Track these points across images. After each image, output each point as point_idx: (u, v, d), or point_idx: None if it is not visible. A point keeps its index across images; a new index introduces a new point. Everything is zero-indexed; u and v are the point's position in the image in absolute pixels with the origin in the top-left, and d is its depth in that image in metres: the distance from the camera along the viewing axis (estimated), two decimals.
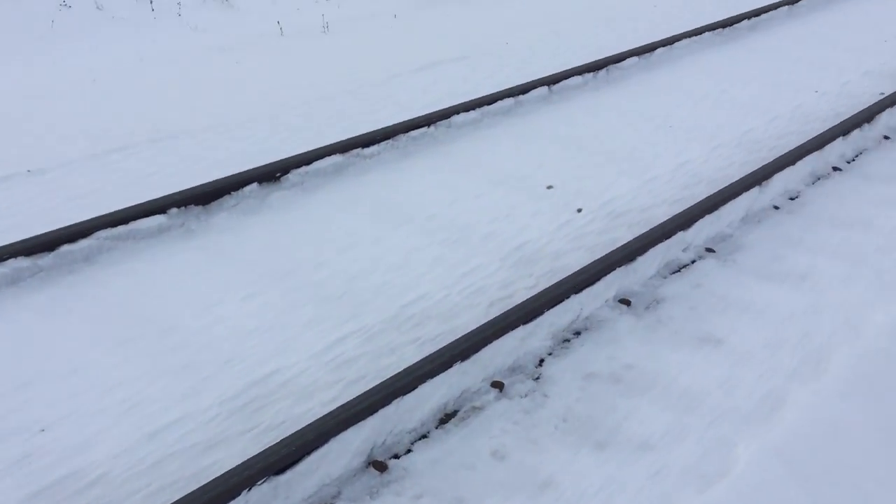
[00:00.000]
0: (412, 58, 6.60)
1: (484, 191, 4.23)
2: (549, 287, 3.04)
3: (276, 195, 4.11)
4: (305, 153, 4.33)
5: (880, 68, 5.96)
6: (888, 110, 4.92)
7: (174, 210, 3.81)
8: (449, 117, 5.02)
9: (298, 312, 3.14)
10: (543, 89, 5.59)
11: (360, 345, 2.93)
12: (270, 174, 4.16)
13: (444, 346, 2.66)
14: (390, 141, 4.69)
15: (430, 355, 2.60)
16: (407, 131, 4.78)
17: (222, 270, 3.45)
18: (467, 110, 5.13)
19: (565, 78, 5.73)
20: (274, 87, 5.97)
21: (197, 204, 3.90)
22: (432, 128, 4.91)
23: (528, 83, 5.53)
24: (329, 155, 4.39)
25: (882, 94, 5.44)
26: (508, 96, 5.38)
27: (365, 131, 4.84)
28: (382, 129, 4.70)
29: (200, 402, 2.62)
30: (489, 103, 5.25)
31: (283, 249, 3.64)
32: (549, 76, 5.67)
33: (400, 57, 6.68)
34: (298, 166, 4.25)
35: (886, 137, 4.78)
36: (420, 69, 6.27)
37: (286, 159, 4.24)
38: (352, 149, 4.50)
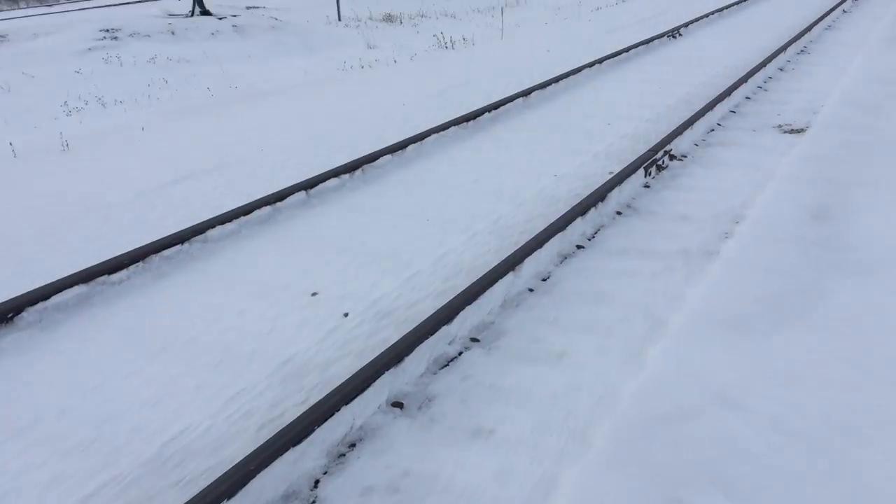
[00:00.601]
0: (162, 172, 6.36)
1: (246, 306, 4.09)
2: (319, 401, 2.95)
3: (10, 338, 3.70)
4: (42, 287, 3.96)
5: (607, 150, 6.58)
6: (617, 188, 5.41)
7: None
8: (204, 232, 4.84)
9: (36, 473, 2.78)
10: (301, 194, 5.58)
11: (113, 498, 2.64)
12: (1, 316, 3.74)
13: (206, 487, 2.46)
14: (141, 263, 4.42)
15: (191, 500, 2.40)
16: (159, 251, 4.54)
17: None
18: (223, 223, 4.99)
19: (322, 181, 5.77)
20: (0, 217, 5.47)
21: None
22: (187, 245, 4.70)
23: (285, 189, 5.50)
24: (70, 286, 4.05)
25: (611, 173, 5.98)
26: (266, 204, 5.31)
27: (111, 256, 4.53)
28: (131, 251, 4.42)
29: None
30: (246, 213, 5.14)
31: (20, 401, 3.25)
32: (306, 180, 5.68)
33: (149, 172, 6.41)
34: (34, 303, 3.87)
35: (619, 213, 5.23)
36: (171, 183, 6.04)
37: (18, 297, 3.85)
38: (97, 276, 4.18)
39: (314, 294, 4.22)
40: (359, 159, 6.14)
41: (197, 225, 4.86)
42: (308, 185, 5.64)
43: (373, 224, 5.21)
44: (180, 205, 5.57)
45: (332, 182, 5.83)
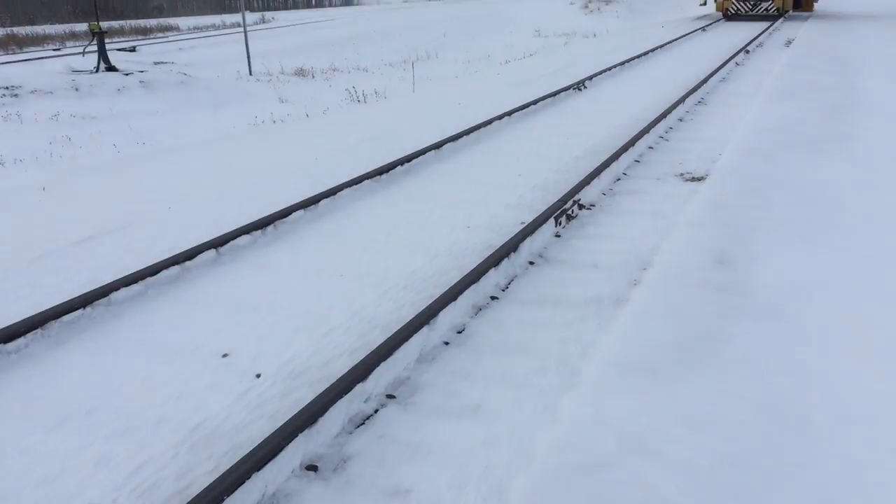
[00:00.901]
0: (64, 233, 6.13)
1: (153, 370, 3.94)
2: (229, 469, 2.84)
3: None
4: None
5: (518, 201, 6.69)
6: (529, 238, 5.49)
7: None
8: (108, 295, 4.67)
9: None
10: (211, 252, 5.46)
11: None
12: None
13: None
14: (39, 331, 4.22)
15: None
16: (59, 317, 4.35)
17: None
18: (128, 284, 4.82)
19: (233, 238, 5.66)
20: None
21: None
22: (89, 309, 4.52)
23: (193, 248, 5.37)
24: None
25: (523, 223, 6.07)
26: (174, 264, 5.17)
27: (7, 324, 4.30)
28: (28, 318, 4.22)
29: None
30: (153, 274, 4.99)
31: None
32: (216, 238, 5.57)
33: (49, 233, 6.17)
34: None
35: (532, 263, 5.31)
36: (74, 245, 5.82)
37: None
38: None
39: (225, 355, 4.10)
40: (270, 215, 6.07)
41: (100, 288, 4.68)
42: (218, 242, 5.53)
43: (286, 281, 5.13)
44: (83, 267, 5.37)
45: (244, 239, 5.74)
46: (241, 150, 9.69)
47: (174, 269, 5.15)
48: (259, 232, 5.88)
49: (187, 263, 5.24)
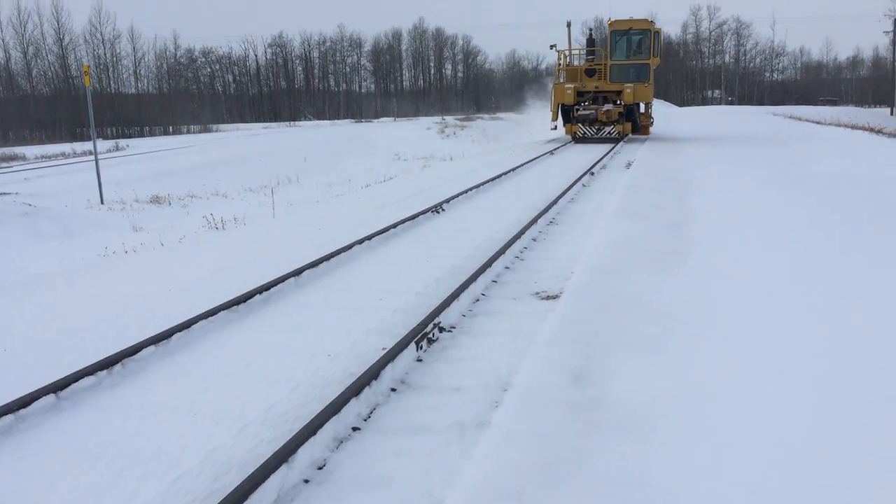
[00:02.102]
0: None
1: None
2: None
3: None
4: None
5: (380, 325, 6.67)
6: (391, 364, 5.45)
7: None
8: None
9: None
10: (50, 397, 5.08)
11: None
12: None
13: None
14: None
15: None
16: None
17: None
18: None
19: (75, 381, 5.30)
20: None
21: None
22: None
23: (29, 394, 4.98)
24: None
25: (384, 349, 6.04)
26: (7, 413, 4.76)
27: None
28: None
29: None
30: None
31: None
32: (56, 382, 5.20)
33: None
34: None
35: (393, 390, 5.25)
36: None
37: None
38: None
39: None
40: (118, 353, 5.75)
41: None
42: (58, 386, 5.16)
43: (134, 423, 4.82)
44: None
45: (87, 381, 5.38)
46: (89, 283, 9.24)
47: (7, 419, 4.74)
48: (105, 372, 5.54)
49: (22, 412, 4.84)
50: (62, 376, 5.38)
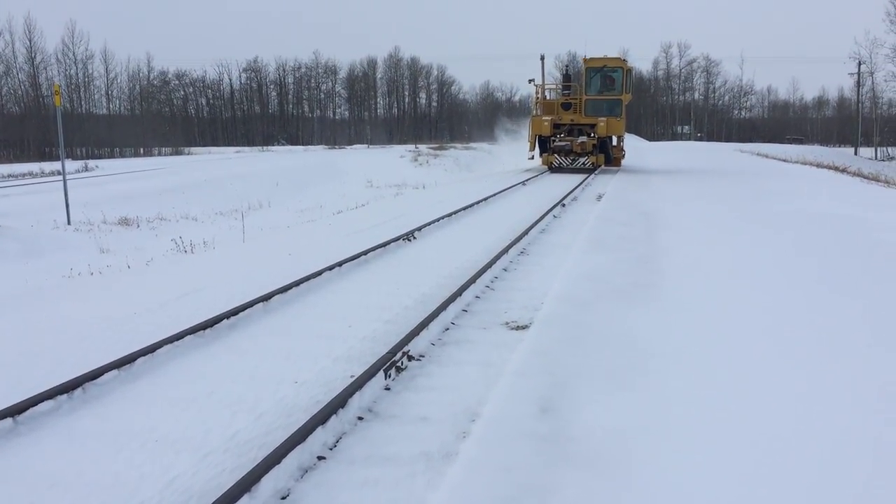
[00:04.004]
0: None
1: None
2: None
3: None
4: None
5: (348, 353, 6.61)
6: (358, 392, 5.39)
7: None
8: None
9: None
10: (7, 421, 4.95)
11: None
12: None
13: None
14: None
15: None
16: None
17: None
18: None
19: (34, 405, 5.17)
20: None
21: None
22: None
23: None
24: None
25: (352, 376, 5.98)
26: None
27: None
28: None
29: None
30: None
31: None
32: (13, 406, 5.07)
33: None
34: None
35: (360, 418, 5.19)
36: None
37: None
38: None
39: None
40: (78, 378, 5.63)
41: None
42: (15, 410, 5.03)
43: (93, 449, 4.71)
44: None
45: (47, 405, 5.25)
46: (52, 305, 9.06)
47: None
48: (65, 396, 5.42)
49: None
50: (21, 399, 5.25)
